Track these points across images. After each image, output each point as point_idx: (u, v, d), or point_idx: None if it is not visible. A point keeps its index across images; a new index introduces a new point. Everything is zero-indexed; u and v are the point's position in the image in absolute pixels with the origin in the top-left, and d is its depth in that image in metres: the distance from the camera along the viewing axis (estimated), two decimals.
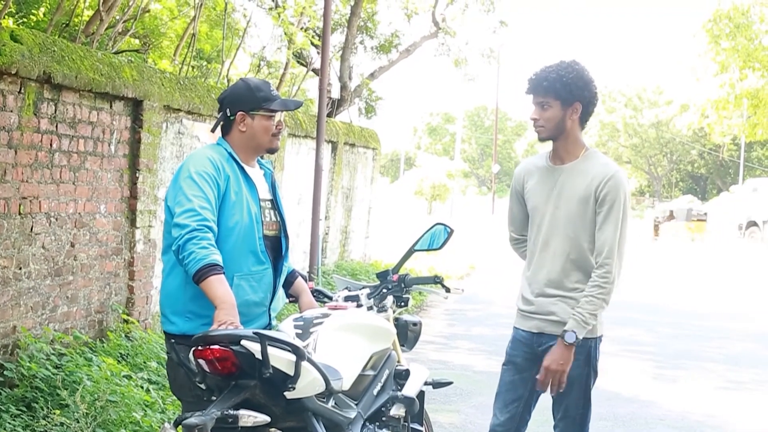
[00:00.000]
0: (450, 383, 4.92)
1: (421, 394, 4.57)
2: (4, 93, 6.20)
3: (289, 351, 3.45)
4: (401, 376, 4.51)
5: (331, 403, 3.86)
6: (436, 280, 4.76)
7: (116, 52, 10.75)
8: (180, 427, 3.24)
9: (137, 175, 8.12)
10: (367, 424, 4.19)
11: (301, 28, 15.00)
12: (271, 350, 3.40)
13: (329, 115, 16.09)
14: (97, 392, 5.62)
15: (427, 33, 18.10)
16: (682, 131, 62.14)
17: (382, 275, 4.77)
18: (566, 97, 4.34)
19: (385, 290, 4.67)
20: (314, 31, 15.78)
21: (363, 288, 4.73)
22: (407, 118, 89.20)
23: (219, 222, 3.96)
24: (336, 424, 3.91)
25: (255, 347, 3.37)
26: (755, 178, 46.49)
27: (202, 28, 17.85)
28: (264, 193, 4.24)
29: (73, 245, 7.15)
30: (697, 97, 43.38)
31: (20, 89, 6.36)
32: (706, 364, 10.79)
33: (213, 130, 4.28)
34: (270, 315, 4.21)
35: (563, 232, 4.43)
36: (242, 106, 4.13)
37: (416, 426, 4.56)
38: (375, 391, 4.27)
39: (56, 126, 6.85)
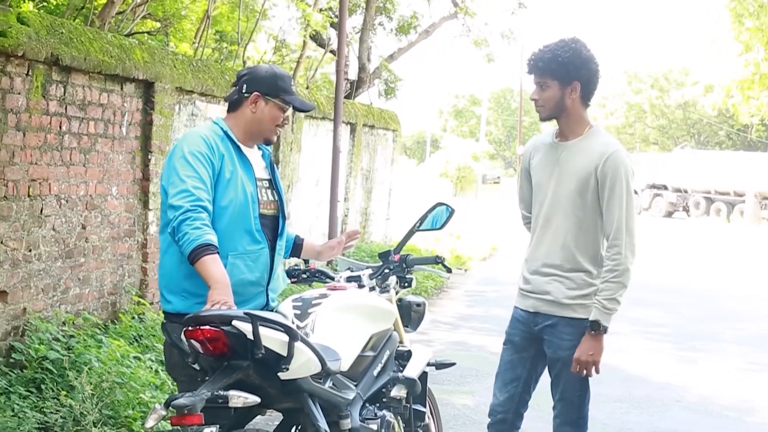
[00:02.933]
0: (453, 364, 4.88)
1: (423, 375, 4.53)
2: (12, 75, 6.18)
3: (282, 331, 3.42)
4: (403, 357, 4.47)
5: (329, 384, 3.83)
6: (437, 260, 4.71)
7: (128, 34, 10.73)
8: (170, 407, 3.21)
9: (149, 156, 8.11)
10: (367, 404, 4.16)
11: (319, 9, 14.94)
12: (263, 331, 3.36)
13: (348, 97, 16.02)
14: (105, 374, 5.61)
15: (446, 14, 17.99)
16: (708, 112, 61.49)
17: (384, 255, 4.73)
18: (563, 76, 4.31)
19: (387, 271, 4.63)
20: (333, 12, 15.70)
21: (365, 269, 4.69)
22: (432, 100, 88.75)
23: (213, 201, 3.92)
24: (334, 405, 3.88)
25: (246, 328, 3.34)
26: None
27: (223, 10, 17.82)
28: (261, 172, 4.19)
29: (84, 227, 7.15)
30: (721, 77, 42.97)
31: (28, 71, 6.35)
32: (725, 345, 10.70)
33: (227, 100, 4.23)
34: (268, 295, 4.17)
35: (563, 210, 4.41)
36: (261, 88, 4.08)
37: (418, 407, 4.53)
38: (375, 372, 4.24)
39: (65, 108, 6.84)
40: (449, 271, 4.87)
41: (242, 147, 4.10)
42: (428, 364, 4.58)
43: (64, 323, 6.72)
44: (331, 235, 12.48)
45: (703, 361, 9.69)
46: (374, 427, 4.07)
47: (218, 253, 3.70)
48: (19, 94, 6.28)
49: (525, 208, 4.76)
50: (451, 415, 7.01)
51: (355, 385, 4.08)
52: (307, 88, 15.00)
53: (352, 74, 15.64)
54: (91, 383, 5.41)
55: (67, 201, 6.91)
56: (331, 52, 16.13)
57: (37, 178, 6.53)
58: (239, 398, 3.28)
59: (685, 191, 41.98)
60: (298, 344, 3.47)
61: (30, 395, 5.63)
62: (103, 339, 6.49)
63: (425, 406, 4.58)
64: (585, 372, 4.36)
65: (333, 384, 3.88)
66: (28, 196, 6.44)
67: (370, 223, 15.87)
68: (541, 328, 4.49)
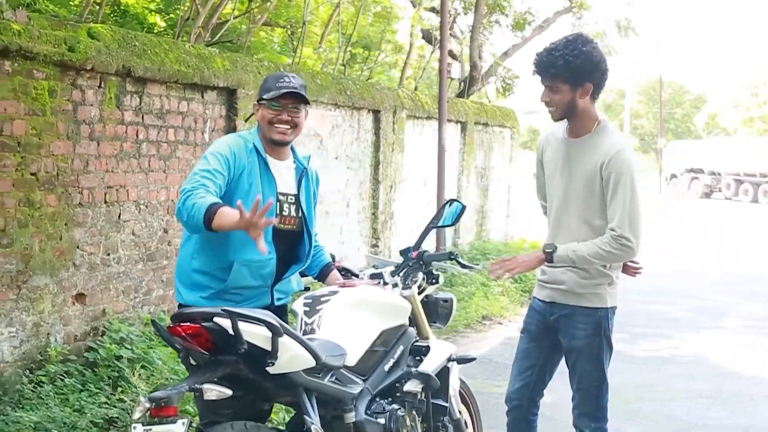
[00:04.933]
0: (473, 359, 4.86)
1: (444, 371, 4.52)
2: (83, 88, 6.50)
3: (263, 327, 3.50)
4: (421, 353, 4.49)
5: (329, 378, 3.89)
6: (451, 257, 4.72)
7: (209, 44, 11.03)
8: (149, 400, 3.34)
9: None
10: (378, 399, 4.20)
11: (431, 8, 14.98)
12: (245, 326, 3.45)
13: (461, 95, 16.02)
14: (159, 372, 5.84)
15: (560, 8, 17.76)
16: None
17: (405, 253, 4.76)
18: (575, 80, 4.27)
19: (406, 268, 4.66)
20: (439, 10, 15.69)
21: (389, 266, 4.74)
22: None
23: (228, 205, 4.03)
24: (338, 399, 3.95)
25: (226, 323, 3.44)
26: None
27: (346, 15, 18.07)
28: (285, 187, 4.25)
29: (166, 231, 7.43)
30: None
31: (100, 84, 6.66)
32: None
33: (246, 120, 4.36)
34: (273, 295, 4.25)
35: (574, 206, 4.43)
36: (258, 97, 4.23)
37: (439, 402, 4.53)
38: (386, 367, 4.27)
39: (142, 117, 7.13)
40: (463, 267, 4.85)
41: (269, 160, 4.19)
42: (450, 359, 4.58)
43: (145, 324, 7.01)
44: (438, 233, 12.50)
45: None
46: (382, 421, 4.10)
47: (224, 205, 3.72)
48: (92, 105, 6.59)
49: (542, 198, 4.80)
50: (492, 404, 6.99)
51: (364, 380, 4.13)
52: (416, 88, 15.07)
53: (455, 72, 15.58)
54: (143, 380, 5.63)
55: (146, 206, 7.20)
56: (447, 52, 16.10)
57: (113, 185, 6.83)
58: (212, 391, 3.37)
59: (719, 174, 46.00)
60: (283, 339, 3.54)
61: (99, 392, 5.90)
62: None
63: (447, 401, 4.58)
64: (501, 264, 4.39)
65: (336, 378, 3.94)
66: (105, 202, 6.74)
67: (487, 221, 15.80)
68: (556, 318, 4.52)
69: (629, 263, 4.58)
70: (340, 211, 10.79)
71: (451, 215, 4.74)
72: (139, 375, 5.74)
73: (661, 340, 9.95)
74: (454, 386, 4.78)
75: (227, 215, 3.64)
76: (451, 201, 4.78)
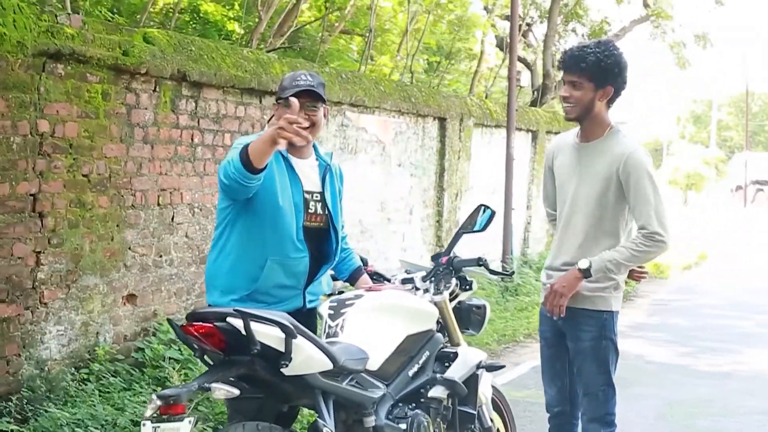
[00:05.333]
0: (502, 366, 4.79)
1: (473, 378, 4.47)
2: (137, 92, 6.60)
3: (277, 328, 3.50)
4: (449, 359, 4.44)
5: (348, 381, 3.87)
6: (479, 263, 4.66)
7: (282, 50, 11.12)
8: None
9: None
10: (400, 404, 4.17)
11: (505, 16, 14.88)
12: (258, 327, 3.46)
13: (534, 104, 15.89)
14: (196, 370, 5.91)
15: (636, 17, 17.51)
16: None
17: (436, 258, 4.73)
18: (600, 79, 4.33)
19: (437, 273, 4.62)
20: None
21: (419, 271, 4.71)
22: (669, 105, 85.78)
23: (258, 205, 4.04)
24: (358, 403, 3.93)
25: (239, 324, 3.45)
26: None
27: (423, 21, 18.03)
28: (310, 185, 4.26)
29: None
30: None
31: (155, 88, 6.75)
32: None
33: (269, 121, 4.39)
34: (305, 297, 4.25)
35: (584, 210, 4.43)
36: (277, 99, 4.26)
37: (466, 409, 4.47)
38: (411, 373, 4.23)
39: (198, 121, 7.21)
40: (492, 273, 4.79)
41: (292, 160, 4.20)
42: (479, 366, 4.52)
43: None
44: (504, 242, 12.41)
45: None
46: (403, 426, 4.07)
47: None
48: (146, 109, 6.68)
49: (549, 206, 4.83)
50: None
51: (387, 385, 4.10)
52: (486, 96, 15.00)
53: (524, 80, 15.44)
54: (181, 378, 5.69)
55: (200, 209, 7.28)
56: (520, 60, 16.04)
57: (167, 187, 6.92)
58: (220, 390, 3.38)
59: None
60: (297, 341, 3.53)
61: (142, 392, 5.98)
62: None
63: (475, 408, 4.52)
64: (550, 302, 4.39)
65: (357, 382, 3.92)
66: (158, 204, 6.83)
67: None
68: (563, 323, 4.52)
69: (635, 267, 4.54)
70: (403, 218, 10.77)
71: (482, 221, 4.69)
72: (180, 375, 5.79)
73: (725, 354, 9.71)
74: (485, 394, 4.73)
75: (258, 142, 3.67)
76: (483, 207, 4.73)
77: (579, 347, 4.49)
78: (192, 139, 7.17)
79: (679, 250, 19.82)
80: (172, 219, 6.99)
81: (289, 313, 4.10)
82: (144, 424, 3.27)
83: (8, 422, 5.35)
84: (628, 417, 7.07)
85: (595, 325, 4.44)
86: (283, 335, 3.50)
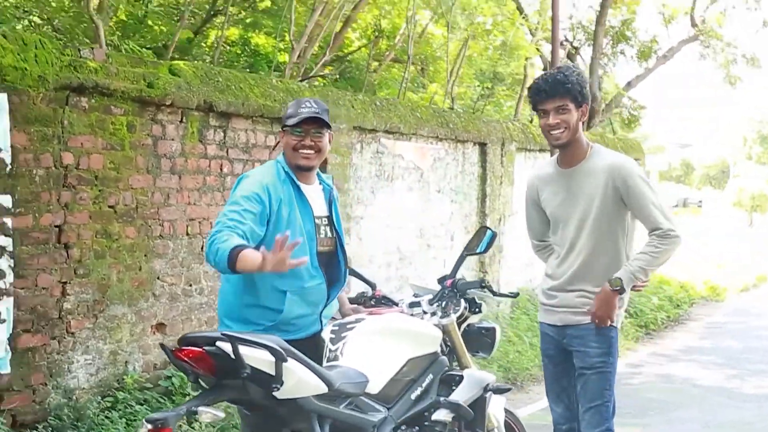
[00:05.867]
0: (509, 389, 4.74)
1: (480, 401, 4.43)
2: (163, 123, 6.69)
3: (266, 351, 3.51)
4: (454, 382, 4.41)
5: (345, 405, 3.87)
6: (482, 285, 4.65)
7: (303, 79, 11.21)
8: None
9: None
10: (403, 427, 4.15)
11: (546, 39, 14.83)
12: (248, 351, 3.47)
13: None
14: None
15: (685, 36, 17.33)
16: None
17: (441, 281, 4.72)
18: (580, 100, 4.44)
19: (442, 296, 4.61)
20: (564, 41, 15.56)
21: (427, 294, 4.70)
22: (735, 126, 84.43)
23: (272, 239, 4.05)
24: (356, 427, 3.92)
25: (229, 348, 3.46)
26: None
27: (476, 48, 18.04)
28: (319, 210, 4.31)
29: None
30: None
31: (181, 119, 6.84)
32: None
33: (273, 148, 4.44)
34: (321, 321, 4.27)
35: (588, 232, 4.49)
36: (282, 125, 4.30)
37: None
38: (413, 396, 4.22)
39: (226, 151, 7.28)
40: (495, 294, 4.76)
41: (302, 186, 4.23)
42: (486, 389, 4.47)
43: None
44: None
45: None
46: None
47: (247, 247, 3.75)
48: (173, 140, 6.77)
49: (534, 236, 4.94)
50: None
51: (388, 408, 4.09)
52: (531, 121, 14.91)
53: None
54: None
55: None
56: None
57: (195, 217, 6.99)
58: (207, 414, 3.40)
59: None
60: (287, 364, 3.54)
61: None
62: None
63: (483, 431, 4.48)
64: (601, 324, 4.45)
65: (355, 406, 3.92)
66: (187, 234, 6.90)
67: None
68: (569, 340, 4.58)
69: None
70: (444, 244, 10.73)
71: (484, 243, 4.68)
72: None
73: None
74: (497, 417, 4.69)
75: (249, 258, 3.66)
76: (483, 228, 4.72)
77: (587, 363, 4.52)
78: (221, 169, 7.24)
79: (737, 271, 19.52)
80: (202, 248, 7.05)
81: (307, 338, 4.16)
82: None
83: None
84: None
85: (603, 341, 4.50)
86: (273, 359, 3.51)
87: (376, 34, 16.57)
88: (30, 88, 5.58)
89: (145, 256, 6.56)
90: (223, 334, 3.48)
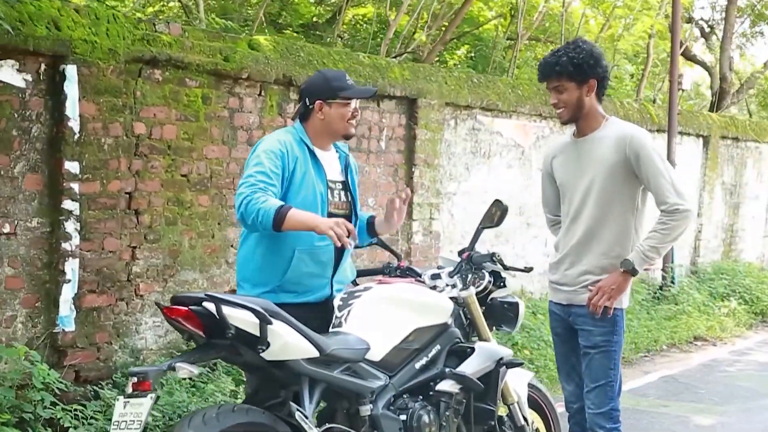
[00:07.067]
0: (521, 363, 4.68)
1: (494, 373, 4.42)
2: (240, 96, 6.89)
3: (251, 313, 3.62)
4: (465, 354, 4.42)
5: (342, 370, 3.94)
6: (493, 258, 4.62)
7: (395, 56, 11.20)
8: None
9: (413, 170, 8.50)
10: (406, 396, 4.20)
11: (688, 19, 14.33)
12: (233, 312, 3.59)
13: (711, 109, 15.26)
14: None
15: None
16: None
17: (460, 253, 4.74)
18: (580, 75, 4.41)
19: (460, 269, 4.62)
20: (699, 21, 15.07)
21: (448, 267, 4.72)
22: None
23: (286, 199, 4.20)
24: (355, 393, 4.00)
25: (213, 308, 3.60)
26: None
27: (615, 26, 17.59)
28: (334, 174, 4.44)
29: None
30: None
31: (260, 92, 7.03)
32: None
33: (293, 119, 4.57)
34: (332, 287, 4.37)
35: (594, 200, 4.45)
36: (320, 96, 4.40)
37: (485, 405, 4.43)
38: (418, 365, 4.25)
39: None
40: (506, 268, 4.71)
41: (316, 151, 4.37)
42: (500, 364, 4.46)
43: None
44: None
45: None
46: (403, 417, 4.10)
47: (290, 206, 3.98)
48: (250, 112, 6.97)
49: (549, 211, 4.93)
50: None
51: (390, 376, 4.14)
52: (654, 101, 14.53)
53: (685, 83, 14.80)
54: None
55: None
56: (699, 63, 15.47)
57: None
58: (183, 369, 3.54)
59: None
60: (273, 327, 3.64)
61: (222, 380, 6.22)
62: None
63: (495, 405, 4.46)
64: (600, 302, 4.38)
65: (354, 372, 3.99)
66: None
67: (738, 240, 14.88)
68: (574, 318, 4.56)
69: None
70: (544, 223, 10.59)
71: (498, 216, 4.65)
72: None
73: None
74: (518, 391, 4.69)
75: (299, 222, 3.92)
76: (498, 202, 4.68)
77: (592, 342, 4.49)
78: None
79: None
80: None
81: (318, 303, 4.28)
82: (118, 399, 3.50)
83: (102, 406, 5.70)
84: (754, 428, 6.81)
85: (608, 320, 4.45)
86: (257, 320, 3.62)
87: (512, 12, 16.38)
88: (100, 60, 5.84)
89: (219, 224, 6.79)
90: (207, 295, 3.61)
